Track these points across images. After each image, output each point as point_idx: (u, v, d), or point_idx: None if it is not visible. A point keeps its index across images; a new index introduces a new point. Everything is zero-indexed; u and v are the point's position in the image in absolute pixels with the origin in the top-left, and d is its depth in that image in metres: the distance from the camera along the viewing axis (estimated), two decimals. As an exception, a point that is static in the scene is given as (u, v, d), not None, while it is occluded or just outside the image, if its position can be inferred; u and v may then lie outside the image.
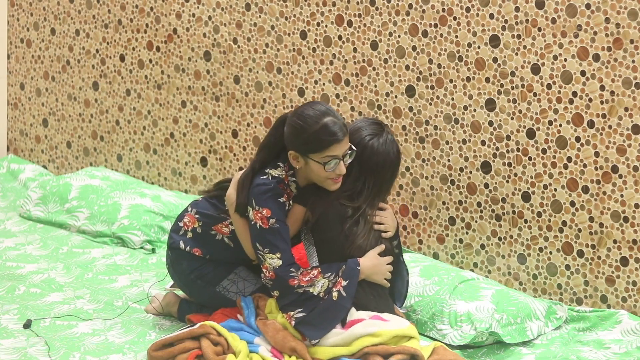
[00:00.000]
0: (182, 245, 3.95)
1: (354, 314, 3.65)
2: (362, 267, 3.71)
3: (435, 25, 4.39)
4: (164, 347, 3.57)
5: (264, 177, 3.75)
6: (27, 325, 3.87)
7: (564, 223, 4.17)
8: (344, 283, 3.67)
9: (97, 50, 5.53)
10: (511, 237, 4.31)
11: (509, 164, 4.27)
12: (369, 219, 3.75)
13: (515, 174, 4.26)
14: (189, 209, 4.00)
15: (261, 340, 3.62)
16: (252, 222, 3.73)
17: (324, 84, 4.74)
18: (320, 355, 3.54)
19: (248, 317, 3.71)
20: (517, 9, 4.17)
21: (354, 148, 3.71)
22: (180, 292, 4.08)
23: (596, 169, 4.07)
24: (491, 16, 4.24)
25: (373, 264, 3.73)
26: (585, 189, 4.11)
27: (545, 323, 3.97)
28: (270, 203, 3.71)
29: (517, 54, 4.20)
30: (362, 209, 3.75)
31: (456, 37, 4.34)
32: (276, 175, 3.76)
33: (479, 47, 4.29)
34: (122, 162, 5.52)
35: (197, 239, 3.95)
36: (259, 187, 3.74)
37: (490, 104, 4.29)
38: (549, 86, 4.14)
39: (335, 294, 3.66)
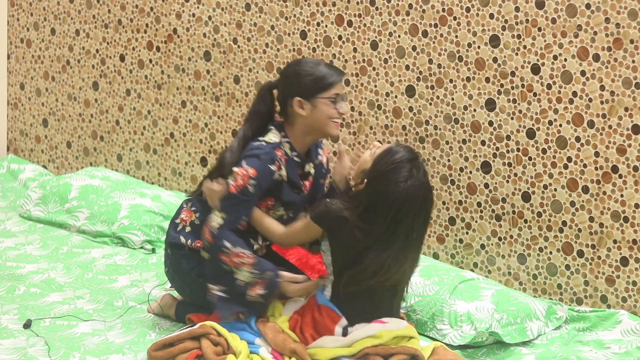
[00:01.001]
0: (182, 240, 3.94)
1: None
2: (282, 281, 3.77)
3: (435, 25, 4.39)
4: (164, 347, 3.57)
5: (258, 143, 3.80)
6: (27, 325, 3.87)
7: (564, 223, 4.17)
8: (260, 291, 3.71)
9: (97, 50, 5.53)
10: (511, 237, 4.31)
11: (509, 164, 4.27)
12: (376, 260, 3.53)
13: (515, 174, 4.26)
14: (184, 205, 4.01)
15: (262, 341, 3.62)
16: (228, 180, 3.76)
17: (324, 84, 4.74)
18: (320, 356, 3.53)
19: (249, 317, 3.71)
20: (517, 9, 4.17)
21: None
22: (177, 294, 4.08)
23: (596, 169, 4.07)
24: (491, 16, 4.24)
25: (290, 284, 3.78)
26: (585, 189, 4.11)
27: (545, 323, 3.97)
28: (260, 167, 3.75)
29: (517, 54, 4.20)
30: (369, 247, 3.53)
31: (456, 37, 4.34)
32: (271, 141, 3.81)
33: (479, 47, 4.29)
34: (122, 162, 5.52)
35: (196, 231, 3.94)
36: (253, 150, 3.77)
37: (490, 104, 4.29)
38: (549, 86, 4.14)
39: (250, 297, 3.72)
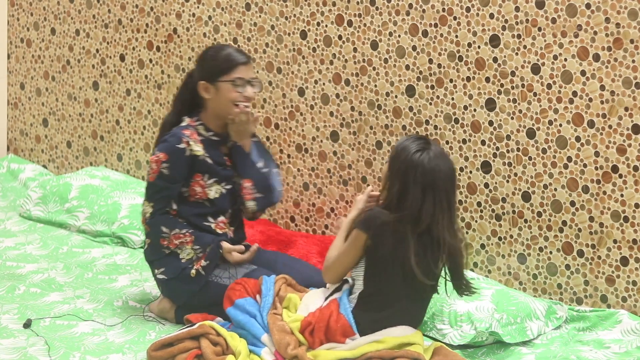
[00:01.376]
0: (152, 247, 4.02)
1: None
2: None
3: (435, 25, 4.39)
4: (163, 347, 3.57)
5: (170, 131, 3.98)
6: (27, 324, 3.86)
7: (564, 223, 4.17)
8: (203, 263, 3.91)
9: (97, 50, 5.53)
10: (511, 237, 4.31)
11: (509, 164, 4.27)
12: (442, 236, 3.52)
13: (515, 174, 4.26)
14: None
15: (267, 339, 3.59)
16: (148, 170, 3.98)
17: (324, 83, 4.74)
18: (322, 358, 3.52)
19: (263, 306, 3.69)
20: (517, 9, 4.17)
21: (261, 81, 3.93)
22: None
23: (596, 168, 4.07)
24: (491, 16, 4.24)
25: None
26: (585, 189, 4.11)
27: (545, 323, 3.97)
28: (168, 148, 3.90)
29: (517, 53, 4.20)
30: (426, 226, 3.51)
31: (456, 37, 4.34)
32: (181, 125, 3.97)
33: (479, 47, 4.29)
34: (122, 161, 5.52)
35: (169, 221, 4.00)
36: (163, 137, 3.98)
37: (490, 104, 4.29)
38: (549, 86, 4.14)
39: (193, 271, 3.89)
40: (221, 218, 4.02)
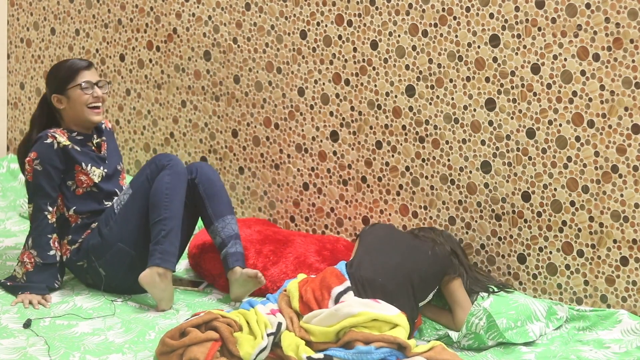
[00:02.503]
0: (56, 254, 4.21)
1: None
2: None
3: (435, 25, 4.39)
4: (178, 335, 3.58)
5: None
6: (27, 324, 3.87)
7: (564, 223, 4.17)
8: (10, 283, 4.18)
9: (97, 50, 5.53)
10: (511, 237, 4.31)
11: (509, 164, 4.27)
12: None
13: (515, 174, 4.26)
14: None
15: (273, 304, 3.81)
16: (25, 176, 4.21)
17: (324, 83, 4.74)
18: (311, 333, 3.65)
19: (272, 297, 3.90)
20: (517, 9, 4.17)
21: (109, 80, 4.23)
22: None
23: (596, 168, 4.07)
24: (491, 16, 4.24)
25: None
26: (585, 189, 4.11)
27: (546, 324, 3.97)
28: (38, 147, 4.16)
29: (517, 53, 4.20)
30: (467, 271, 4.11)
31: (456, 36, 4.34)
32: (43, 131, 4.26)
33: (479, 47, 4.29)
34: (122, 161, 5.52)
35: (75, 229, 4.25)
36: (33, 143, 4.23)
37: (490, 104, 4.29)
38: (549, 86, 4.14)
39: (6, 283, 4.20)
40: (116, 199, 4.27)
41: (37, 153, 4.17)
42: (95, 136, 4.34)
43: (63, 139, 4.19)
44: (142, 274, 4.05)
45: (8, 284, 4.18)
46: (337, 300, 3.72)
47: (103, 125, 4.44)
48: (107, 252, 4.16)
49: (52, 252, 4.17)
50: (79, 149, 4.24)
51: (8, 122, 5.99)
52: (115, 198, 4.29)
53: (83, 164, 4.23)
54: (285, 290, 3.89)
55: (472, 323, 3.84)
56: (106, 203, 4.28)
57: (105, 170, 4.31)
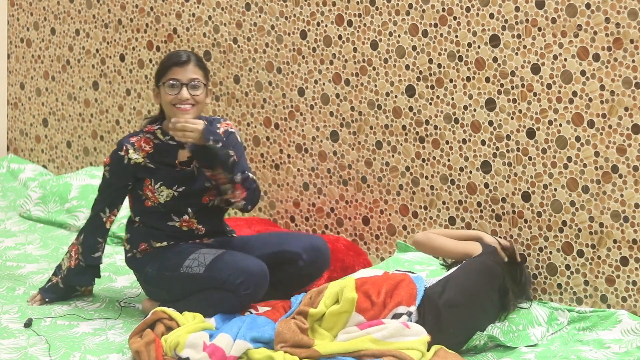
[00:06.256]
0: (130, 249, 4.08)
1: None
2: None
3: (435, 25, 4.39)
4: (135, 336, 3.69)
5: None
6: (28, 324, 3.87)
7: (564, 223, 4.17)
8: (54, 279, 4.14)
9: (97, 50, 5.53)
10: (511, 237, 4.31)
11: (509, 164, 4.27)
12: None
13: (515, 174, 4.26)
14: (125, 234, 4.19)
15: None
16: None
17: (324, 83, 4.74)
18: (319, 348, 3.54)
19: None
20: (517, 9, 4.17)
21: (205, 82, 3.94)
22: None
23: (596, 168, 4.08)
24: (491, 16, 4.24)
25: None
26: (585, 189, 4.11)
27: (547, 329, 3.97)
28: (112, 155, 4.01)
29: (517, 53, 4.20)
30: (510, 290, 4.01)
31: (456, 37, 4.34)
32: (132, 132, 4.12)
33: (479, 47, 4.29)
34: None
35: (135, 237, 4.07)
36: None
37: (490, 104, 4.29)
38: (549, 86, 4.14)
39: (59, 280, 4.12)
40: (185, 217, 4.04)
41: (110, 160, 4.01)
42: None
43: (136, 156, 3.97)
44: (144, 303, 4.09)
45: (53, 280, 4.13)
46: (394, 317, 3.63)
47: (220, 129, 4.08)
48: (151, 285, 4.03)
49: (97, 254, 4.07)
50: (153, 166, 3.97)
51: (8, 122, 5.99)
52: (194, 256, 3.93)
53: (153, 180, 3.98)
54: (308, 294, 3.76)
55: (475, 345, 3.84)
56: (174, 218, 4.01)
57: (181, 188, 3.98)
